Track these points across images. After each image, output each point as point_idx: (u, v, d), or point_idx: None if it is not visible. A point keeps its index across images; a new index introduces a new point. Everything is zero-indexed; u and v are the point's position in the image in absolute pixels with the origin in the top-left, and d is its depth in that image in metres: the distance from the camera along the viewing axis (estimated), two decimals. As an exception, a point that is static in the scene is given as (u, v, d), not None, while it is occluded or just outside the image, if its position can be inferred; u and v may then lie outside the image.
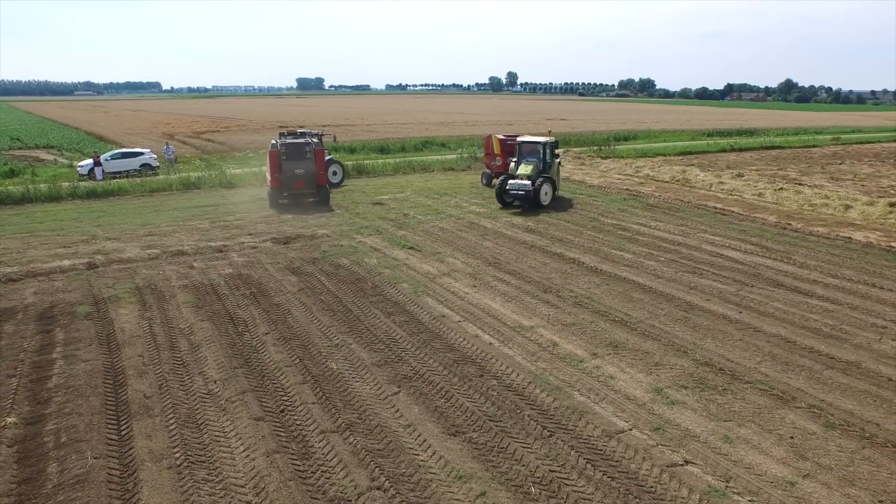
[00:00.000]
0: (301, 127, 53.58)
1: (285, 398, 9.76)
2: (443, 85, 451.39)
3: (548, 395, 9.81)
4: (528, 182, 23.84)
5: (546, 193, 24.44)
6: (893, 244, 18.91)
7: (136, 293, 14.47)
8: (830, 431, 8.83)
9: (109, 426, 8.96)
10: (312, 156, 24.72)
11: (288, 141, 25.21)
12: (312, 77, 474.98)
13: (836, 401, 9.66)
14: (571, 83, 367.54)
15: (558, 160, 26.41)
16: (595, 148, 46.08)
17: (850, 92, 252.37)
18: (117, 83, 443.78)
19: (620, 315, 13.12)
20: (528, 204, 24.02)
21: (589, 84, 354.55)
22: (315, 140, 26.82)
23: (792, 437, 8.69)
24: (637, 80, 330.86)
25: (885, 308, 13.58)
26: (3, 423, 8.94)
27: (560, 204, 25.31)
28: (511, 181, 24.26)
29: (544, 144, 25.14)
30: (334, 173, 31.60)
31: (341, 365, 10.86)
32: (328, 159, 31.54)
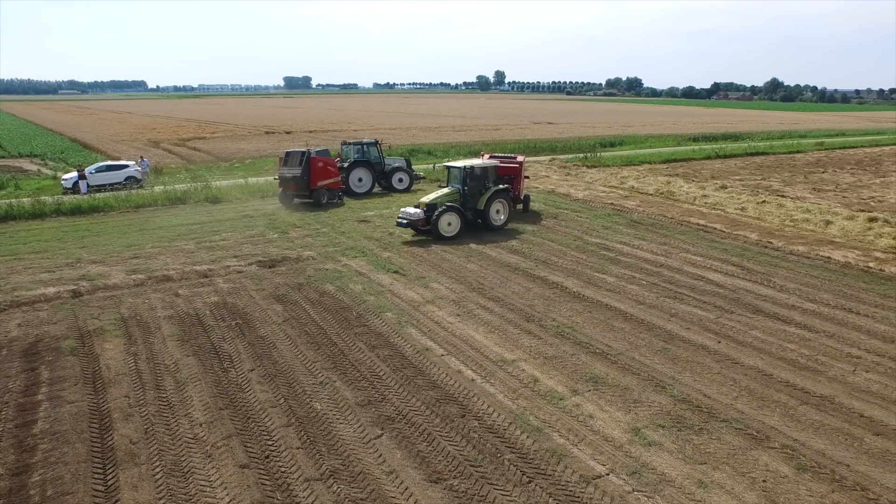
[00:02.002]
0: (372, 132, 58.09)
1: (270, 443, 9.88)
2: (431, 84, 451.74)
3: (528, 437, 10.00)
4: (418, 211, 22.14)
5: (449, 224, 22.35)
6: (871, 264, 19.31)
7: (121, 325, 14.52)
8: (802, 474, 9.08)
9: (95, 476, 9.05)
10: (306, 164, 27.99)
11: (289, 150, 30.08)
12: (300, 76, 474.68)
13: (808, 440, 9.93)
14: (559, 82, 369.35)
15: (503, 185, 24.08)
16: (581, 156, 46.43)
17: (836, 91, 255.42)
18: (102, 82, 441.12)
19: (601, 346, 13.34)
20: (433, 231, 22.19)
21: (576, 83, 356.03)
22: (373, 146, 32.05)
23: (764, 481, 8.94)
24: (624, 78, 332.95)
25: (860, 336, 13.91)
26: (-12, 475, 9.00)
27: (545, 220, 25.55)
28: (404, 208, 22.95)
29: (463, 169, 23.12)
30: (400, 180, 32.37)
31: (325, 405, 11.00)
32: (395, 166, 32.41)
